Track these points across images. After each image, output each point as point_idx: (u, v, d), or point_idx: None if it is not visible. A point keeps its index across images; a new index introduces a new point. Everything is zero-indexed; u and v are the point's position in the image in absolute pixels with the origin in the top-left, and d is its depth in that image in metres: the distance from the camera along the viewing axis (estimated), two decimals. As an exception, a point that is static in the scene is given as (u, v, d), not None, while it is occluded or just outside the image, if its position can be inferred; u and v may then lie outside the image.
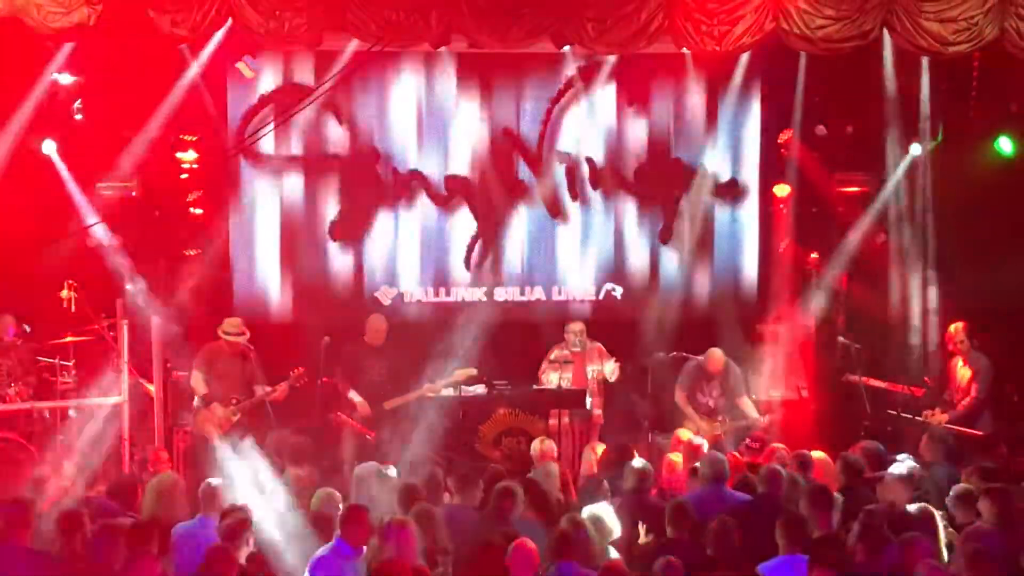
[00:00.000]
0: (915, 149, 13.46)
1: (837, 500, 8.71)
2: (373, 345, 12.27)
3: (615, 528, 8.33)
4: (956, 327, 12.24)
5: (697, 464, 9.66)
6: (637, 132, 13.66)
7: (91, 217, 12.30)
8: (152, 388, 12.11)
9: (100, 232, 12.28)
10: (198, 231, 13.18)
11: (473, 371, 12.26)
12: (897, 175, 13.58)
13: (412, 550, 7.63)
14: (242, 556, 7.51)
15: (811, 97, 13.62)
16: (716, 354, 12.49)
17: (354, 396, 12.05)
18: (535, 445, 10.65)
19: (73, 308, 12.15)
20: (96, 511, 8.35)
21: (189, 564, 7.80)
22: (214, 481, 8.80)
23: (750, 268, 13.94)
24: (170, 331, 12.10)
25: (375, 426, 11.98)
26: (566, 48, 12.37)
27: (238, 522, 7.69)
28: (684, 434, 11.00)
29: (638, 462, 9.48)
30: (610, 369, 12.54)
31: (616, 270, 13.73)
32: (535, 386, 12.48)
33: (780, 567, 7.58)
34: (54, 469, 9.65)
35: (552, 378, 12.41)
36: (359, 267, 13.42)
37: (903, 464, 9.56)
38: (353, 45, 11.85)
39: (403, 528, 7.69)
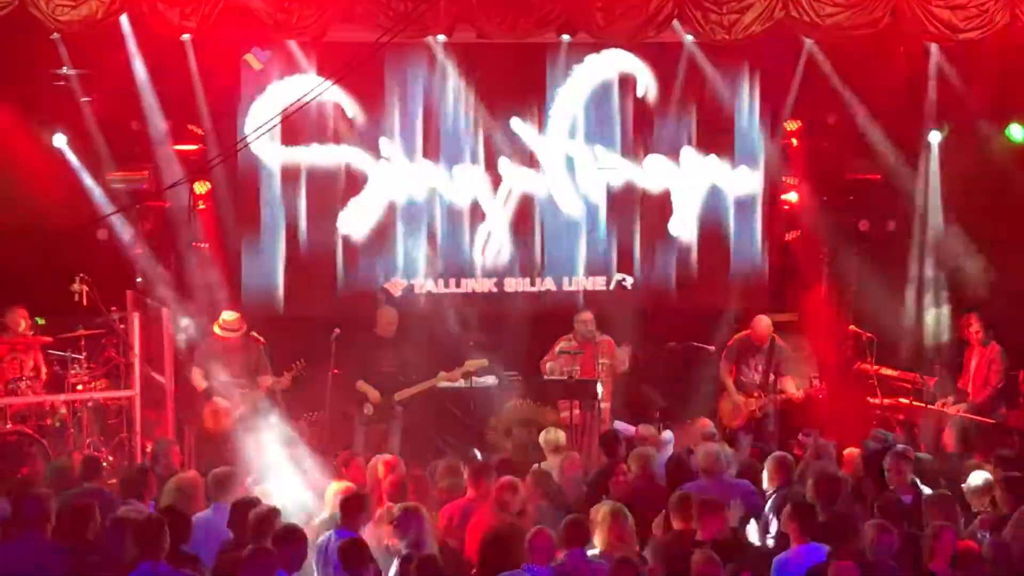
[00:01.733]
0: (934, 137, 13.43)
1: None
2: (384, 337, 12.27)
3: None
4: (970, 316, 12.22)
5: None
6: (645, 121, 13.61)
7: (106, 208, 12.30)
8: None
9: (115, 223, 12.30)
10: (206, 224, 13.19)
11: (484, 362, 12.26)
12: (928, 161, 13.54)
13: (426, 537, 7.69)
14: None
15: (817, 85, 13.65)
16: (764, 322, 12.42)
17: (364, 387, 12.05)
18: (544, 436, 10.65)
19: (84, 301, 12.14)
20: (106, 504, 8.34)
21: (207, 553, 7.82)
22: (225, 469, 8.81)
23: (760, 258, 13.89)
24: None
25: (386, 417, 11.99)
26: (565, 37, 12.36)
27: (268, 512, 7.68)
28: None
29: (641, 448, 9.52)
30: (622, 356, 12.45)
31: (627, 260, 13.69)
32: (545, 376, 12.46)
33: (797, 556, 7.52)
34: None
35: (551, 368, 12.36)
36: (369, 259, 13.39)
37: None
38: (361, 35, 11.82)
39: (417, 515, 7.72)
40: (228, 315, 11.95)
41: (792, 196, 14.05)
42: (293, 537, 7.34)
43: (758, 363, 12.40)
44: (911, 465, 8.93)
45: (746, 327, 12.75)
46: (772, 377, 12.32)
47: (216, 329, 11.90)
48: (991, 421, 11.66)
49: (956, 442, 10.16)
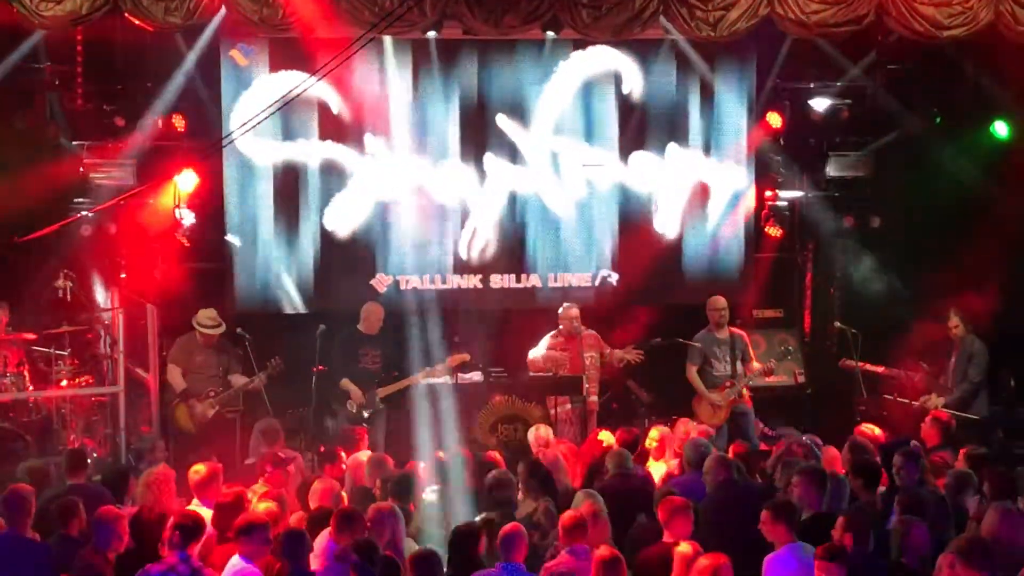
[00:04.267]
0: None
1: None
2: (368, 333, 12.26)
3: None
4: (951, 312, 12.26)
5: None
6: (631, 118, 13.62)
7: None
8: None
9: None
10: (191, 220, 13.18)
11: (466, 357, 12.25)
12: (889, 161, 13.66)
13: (402, 536, 7.72)
14: None
15: (803, 78, 13.69)
16: (720, 300, 12.47)
17: (348, 384, 12.04)
18: (532, 432, 10.65)
19: (68, 297, 12.11)
20: (90, 499, 8.32)
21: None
22: (204, 466, 8.80)
23: (745, 254, 13.90)
24: None
25: (370, 415, 11.97)
26: (549, 34, 12.36)
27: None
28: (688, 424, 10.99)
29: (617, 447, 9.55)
30: (622, 354, 12.45)
31: (612, 256, 13.70)
32: (530, 367, 12.46)
33: (786, 556, 7.48)
34: None
35: (534, 354, 12.36)
36: (354, 255, 13.38)
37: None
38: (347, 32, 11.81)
39: (392, 515, 7.73)
40: (206, 312, 11.94)
41: (777, 192, 14.07)
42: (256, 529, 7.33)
43: (724, 354, 12.43)
44: (919, 462, 8.95)
45: (732, 321, 12.78)
46: (740, 366, 12.37)
47: (195, 326, 11.88)
48: (972, 417, 11.71)
49: (936, 437, 10.18)
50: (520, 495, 8.81)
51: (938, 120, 13.46)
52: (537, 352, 12.40)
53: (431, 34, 12.56)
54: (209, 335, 11.87)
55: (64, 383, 11.85)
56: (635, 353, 12.44)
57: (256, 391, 11.79)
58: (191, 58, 12.47)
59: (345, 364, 12.09)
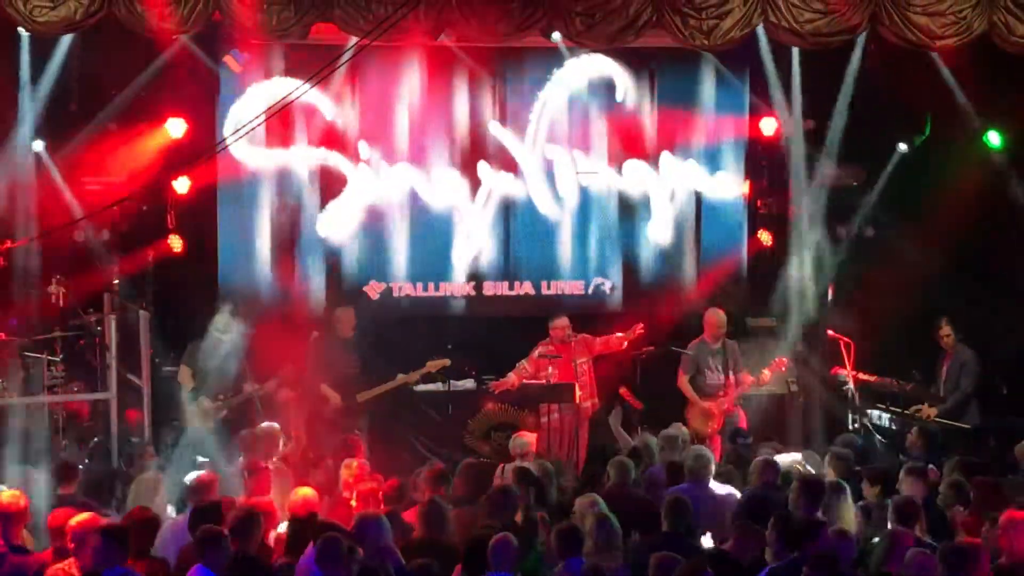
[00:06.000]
0: (902, 147, 13.50)
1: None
2: (343, 337, 12.25)
3: None
4: (943, 321, 12.28)
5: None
6: (627, 124, 13.63)
7: (79, 213, 12.25)
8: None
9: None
10: (184, 224, 13.16)
11: (446, 361, 12.26)
12: (886, 172, 13.64)
13: (386, 544, 7.66)
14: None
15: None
16: (720, 316, 12.46)
17: (326, 390, 12.03)
18: (512, 441, 10.58)
19: (61, 303, 12.09)
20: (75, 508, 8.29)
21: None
22: (203, 473, 8.79)
23: (739, 263, 13.91)
24: None
25: (350, 419, 11.95)
26: (557, 37, 12.35)
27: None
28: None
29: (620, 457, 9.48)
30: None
31: (606, 264, 13.71)
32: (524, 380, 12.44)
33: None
34: None
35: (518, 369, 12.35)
36: (348, 261, 13.37)
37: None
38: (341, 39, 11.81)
39: (376, 522, 7.71)
40: (222, 318, 11.93)
41: (771, 201, 14.07)
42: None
43: (717, 364, 12.43)
44: (925, 479, 8.95)
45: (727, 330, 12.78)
46: (732, 375, 12.37)
47: (212, 331, 11.87)
48: (964, 426, 11.73)
49: (924, 447, 10.20)
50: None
51: (927, 131, 13.46)
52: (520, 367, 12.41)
53: (426, 41, 12.54)
54: (223, 340, 11.85)
55: (56, 389, 11.82)
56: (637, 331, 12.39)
57: (266, 398, 11.81)
58: (185, 64, 12.44)
59: (323, 369, 12.07)
